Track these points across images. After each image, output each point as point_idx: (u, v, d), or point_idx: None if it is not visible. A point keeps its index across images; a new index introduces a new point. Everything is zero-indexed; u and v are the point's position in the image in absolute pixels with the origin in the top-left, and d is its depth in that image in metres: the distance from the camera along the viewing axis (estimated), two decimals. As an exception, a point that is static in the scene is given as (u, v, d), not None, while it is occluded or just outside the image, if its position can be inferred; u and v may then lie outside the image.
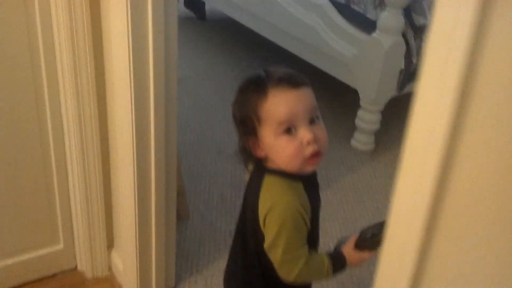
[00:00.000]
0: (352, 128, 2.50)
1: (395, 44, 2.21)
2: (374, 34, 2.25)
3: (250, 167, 1.12)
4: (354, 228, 1.93)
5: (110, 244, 1.66)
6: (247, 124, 1.02)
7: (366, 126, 2.43)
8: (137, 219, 1.41)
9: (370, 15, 2.34)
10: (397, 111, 2.41)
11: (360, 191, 2.20)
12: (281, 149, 1.00)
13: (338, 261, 1.05)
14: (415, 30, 2.28)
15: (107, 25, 1.31)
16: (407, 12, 2.21)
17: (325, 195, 2.10)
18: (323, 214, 1.15)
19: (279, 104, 0.98)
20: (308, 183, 1.05)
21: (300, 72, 1.04)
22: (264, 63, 3.16)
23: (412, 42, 2.28)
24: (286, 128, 0.99)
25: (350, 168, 2.35)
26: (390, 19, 2.18)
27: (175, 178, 1.47)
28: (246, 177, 1.18)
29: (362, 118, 2.42)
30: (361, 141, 2.47)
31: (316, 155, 1.00)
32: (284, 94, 0.99)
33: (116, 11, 1.20)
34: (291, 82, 0.99)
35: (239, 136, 1.06)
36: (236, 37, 3.56)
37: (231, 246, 1.20)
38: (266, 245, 1.02)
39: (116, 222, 1.57)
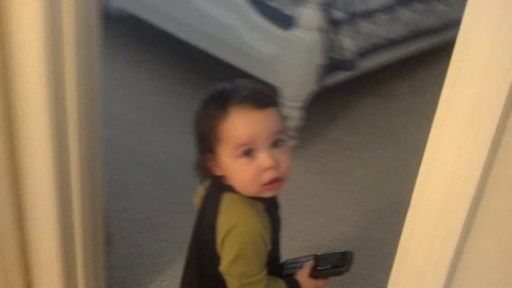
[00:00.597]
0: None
1: (314, 40, 2.16)
2: (294, 31, 2.18)
3: (206, 183, 1.05)
4: (286, 232, 1.86)
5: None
6: (205, 140, 0.96)
7: (289, 123, 2.37)
8: (59, 256, 1.22)
9: (288, 11, 2.27)
10: (315, 105, 2.38)
11: (286, 189, 2.12)
12: (238, 172, 0.94)
13: None
14: (333, 25, 2.25)
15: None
16: (325, 7, 2.17)
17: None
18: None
19: (240, 124, 0.91)
20: (268, 204, 1.01)
21: (269, 89, 0.98)
22: (176, 66, 2.99)
23: (331, 36, 2.24)
24: (244, 151, 0.92)
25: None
26: (309, 15, 2.13)
27: (101, 204, 1.28)
28: (197, 197, 1.10)
29: (285, 113, 2.35)
30: (285, 139, 2.41)
31: (274, 181, 0.94)
32: (246, 114, 0.91)
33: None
34: (256, 102, 0.92)
35: (197, 151, 1.00)
36: (146, 39, 3.33)
37: (183, 271, 1.11)
38: (222, 267, 0.97)
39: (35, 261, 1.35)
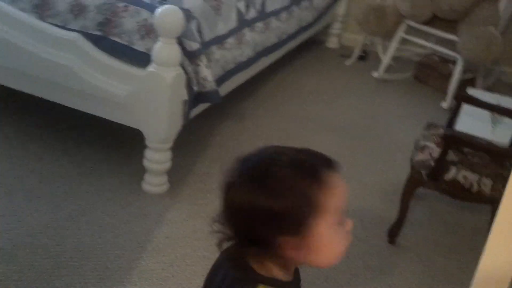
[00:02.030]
0: (141, 171, 2.21)
1: (177, 76, 2.00)
2: (150, 68, 2.00)
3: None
4: None
5: None
6: (289, 218, 0.81)
7: (156, 167, 2.18)
8: None
9: (138, 46, 2.07)
10: (182, 142, 2.24)
11: (159, 239, 1.95)
12: (337, 243, 0.86)
13: None
14: (190, 56, 2.12)
15: None
16: (179, 40, 2.03)
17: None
18: None
19: (341, 188, 0.85)
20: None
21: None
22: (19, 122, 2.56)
23: (189, 69, 2.11)
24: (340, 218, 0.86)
25: (147, 214, 2.06)
26: (166, 50, 1.97)
27: None
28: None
29: (151, 159, 2.16)
30: (154, 183, 2.21)
31: None
32: (338, 178, 0.86)
33: None
34: (335, 165, 0.87)
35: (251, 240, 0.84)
36: None
37: None
38: None
39: None
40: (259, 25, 2.73)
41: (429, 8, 3.09)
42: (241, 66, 2.61)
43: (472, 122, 2.32)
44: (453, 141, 1.87)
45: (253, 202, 0.83)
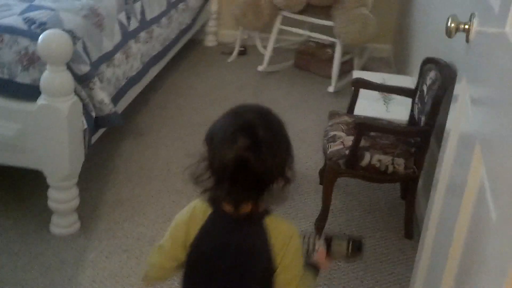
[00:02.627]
0: (47, 213, 2.00)
1: (72, 105, 1.83)
2: (42, 101, 1.80)
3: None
4: None
5: None
6: (285, 166, 1.07)
7: (63, 207, 1.99)
8: None
9: (22, 79, 1.85)
10: (83, 172, 2.06)
11: (85, 285, 1.80)
12: None
13: (316, 271, 1.20)
14: (81, 81, 1.94)
15: None
16: (69, 64, 1.85)
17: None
18: None
19: None
20: None
21: None
22: None
23: (83, 94, 1.94)
24: None
25: (65, 261, 1.88)
26: (56, 79, 1.78)
27: None
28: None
29: (56, 199, 1.96)
30: (63, 224, 2.02)
31: None
32: None
33: None
34: None
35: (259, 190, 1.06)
36: None
37: None
38: (299, 271, 1.13)
39: None
40: (143, 35, 2.59)
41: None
42: (132, 81, 2.48)
43: (368, 105, 2.43)
44: (365, 128, 1.94)
45: (280, 133, 1.08)
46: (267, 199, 1.06)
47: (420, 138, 1.96)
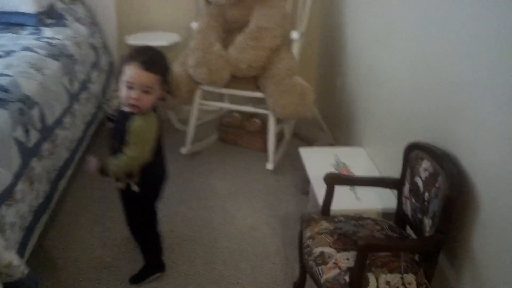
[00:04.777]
0: None
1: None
2: None
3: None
4: None
5: None
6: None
7: None
8: None
9: None
10: None
11: None
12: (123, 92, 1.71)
13: None
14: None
15: None
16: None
17: None
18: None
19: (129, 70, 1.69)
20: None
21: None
22: None
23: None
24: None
25: None
26: None
27: None
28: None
29: None
30: None
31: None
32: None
33: None
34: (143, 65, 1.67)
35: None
36: None
37: None
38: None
39: None
40: (46, 146, 2.02)
41: (226, 71, 2.76)
42: (41, 210, 1.89)
43: (335, 196, 2.07)
44: (371, 250, 1.55)
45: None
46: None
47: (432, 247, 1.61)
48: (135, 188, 1.82)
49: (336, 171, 2.32)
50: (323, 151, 2.56)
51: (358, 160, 2.44)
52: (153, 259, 2.09)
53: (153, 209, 1.99)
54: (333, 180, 1.86)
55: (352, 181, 1.93)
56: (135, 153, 1.70)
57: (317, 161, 2.43)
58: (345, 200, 2.09)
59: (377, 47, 2.41)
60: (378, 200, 2.11)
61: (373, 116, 2.47)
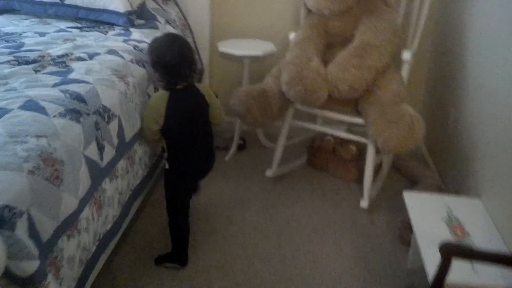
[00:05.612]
0: None
1: None
2: None
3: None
4: None
5: None
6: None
7: None
8: None
9: None
10: None
11: None
12: None
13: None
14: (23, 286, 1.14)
15: None
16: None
17: None
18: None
19: None
20: None
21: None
22: None
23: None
24: None
25: None
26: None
27: None
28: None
29: None
30: None
31: None
32: None
33: None
34: None
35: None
36: None
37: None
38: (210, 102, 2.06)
39: None
40: (122, 164, 1.81)
41: (324, 91, 2.45)
42: (107, 239, 1.68)
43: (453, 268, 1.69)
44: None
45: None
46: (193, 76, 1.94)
47: None
48: (166, 164, 1.99)
49: (448, 229, 1.93)
50: (432, 198, 2.16)
51: (474, 216, 2.03)
52: (177, 247, 2.10)
53: (184, 199, 2.08)
54: (451, 253, 1.47)
55: (478, 257, 1.53)
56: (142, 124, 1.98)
57: (425, 210, 2.05)
58: (458, 271, 1.70)
59: (508, 74, 1.99)
60: (500, 275, 1.70)
61: (496, 160, 2.05)
